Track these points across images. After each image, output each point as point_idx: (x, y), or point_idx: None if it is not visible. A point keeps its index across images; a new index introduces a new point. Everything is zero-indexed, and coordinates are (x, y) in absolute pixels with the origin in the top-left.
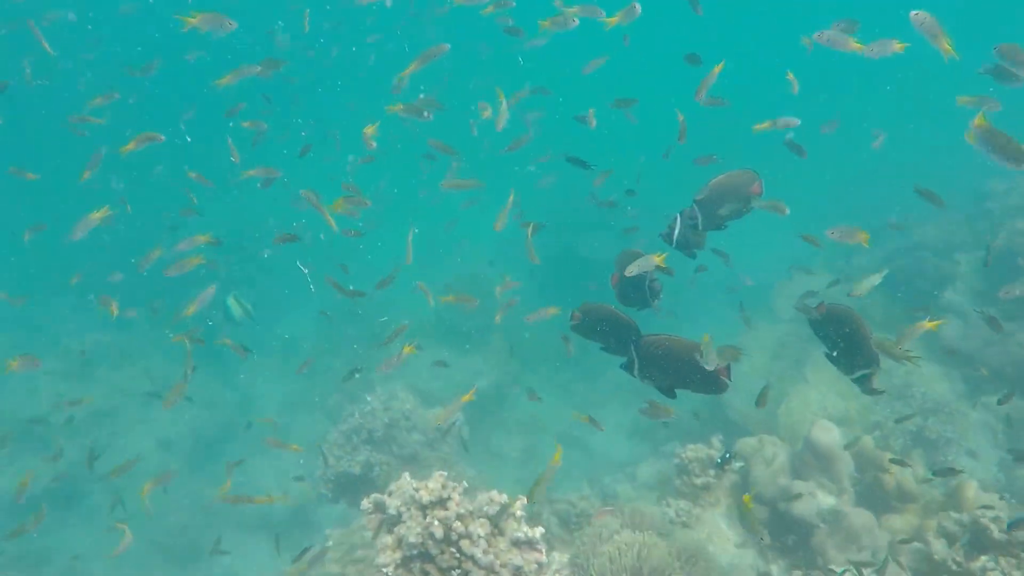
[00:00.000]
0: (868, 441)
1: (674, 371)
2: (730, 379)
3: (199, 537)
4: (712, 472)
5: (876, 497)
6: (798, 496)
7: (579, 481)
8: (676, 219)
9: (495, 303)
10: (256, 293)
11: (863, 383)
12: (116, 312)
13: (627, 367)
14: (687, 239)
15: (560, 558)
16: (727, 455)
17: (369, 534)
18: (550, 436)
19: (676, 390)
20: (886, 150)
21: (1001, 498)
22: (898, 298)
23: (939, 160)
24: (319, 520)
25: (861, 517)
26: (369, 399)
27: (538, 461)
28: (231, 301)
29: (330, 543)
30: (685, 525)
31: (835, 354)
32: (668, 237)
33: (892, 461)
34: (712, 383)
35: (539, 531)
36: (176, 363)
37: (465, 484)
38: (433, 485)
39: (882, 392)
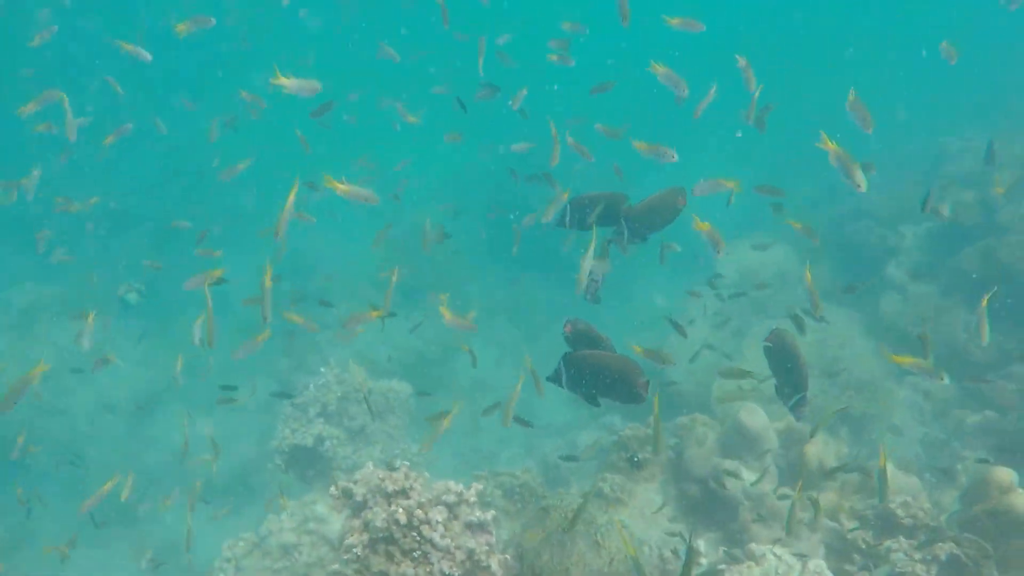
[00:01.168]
0: (795, 424)
1: (599, 384)
2: (648, 393)
3: (139, 501)
4: (647, 452)
5: (799, 474)
6: (725, 474)
7: (520, 448)
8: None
9: (441, 257)
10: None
11: (796, 409)
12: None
13: (554, 379)
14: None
15: (509, 528)
16: (635, 457)
17: (320, 508)
18: (490, 402)
19: (600, 399)
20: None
21: (921, 477)
22: (847, 269)
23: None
24: (261, 487)
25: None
26: (323, 371)
27: (484, 431)
28: (122, 289)
29: (284, 514)
30: (619, 501)
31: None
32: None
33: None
34: (633, 396)
35: (490, 514)
36: (118, 318)
37: (427, 475)
38: (398, 475)
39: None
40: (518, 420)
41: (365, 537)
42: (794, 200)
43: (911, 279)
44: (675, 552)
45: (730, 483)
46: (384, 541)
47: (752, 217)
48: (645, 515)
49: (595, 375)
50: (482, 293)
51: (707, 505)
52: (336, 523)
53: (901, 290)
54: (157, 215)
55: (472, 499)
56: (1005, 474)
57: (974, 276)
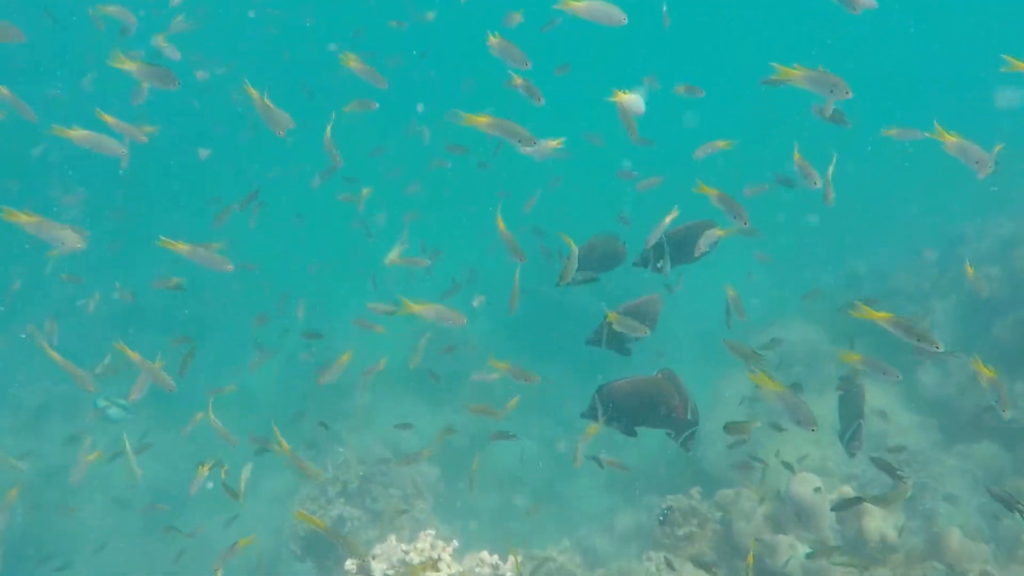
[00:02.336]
0: (847, 491)
1: (635, 411)
2: (688, 416)
3: None
4: (695, 521)
5: (858, 550)
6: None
7: (554, 535)
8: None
9: (466, 345)
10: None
11: (851, 441)
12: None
13: (590, 415)
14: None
15: None
16: (666, 512)
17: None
18: (527, 491)
19: (639, 429)
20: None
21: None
22: (880, 347)
23: (906, 201)
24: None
25: (845, 572)
26: (341, 450)
27: (513, 519)
28: (103, 402)
29: None
30: None
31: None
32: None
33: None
34: (670, 419)
35: None
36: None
37: (456, 543)
38: (422, 545)
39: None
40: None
41: None
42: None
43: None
44: None
45: (786, 562)
46: None
47: (775, 304)
48: None
49: (630, 402)
50: (510, 386)
51: None
52: None
53: (938, 362)
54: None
55: (510, 573)
56: None
57: (1011, 346)
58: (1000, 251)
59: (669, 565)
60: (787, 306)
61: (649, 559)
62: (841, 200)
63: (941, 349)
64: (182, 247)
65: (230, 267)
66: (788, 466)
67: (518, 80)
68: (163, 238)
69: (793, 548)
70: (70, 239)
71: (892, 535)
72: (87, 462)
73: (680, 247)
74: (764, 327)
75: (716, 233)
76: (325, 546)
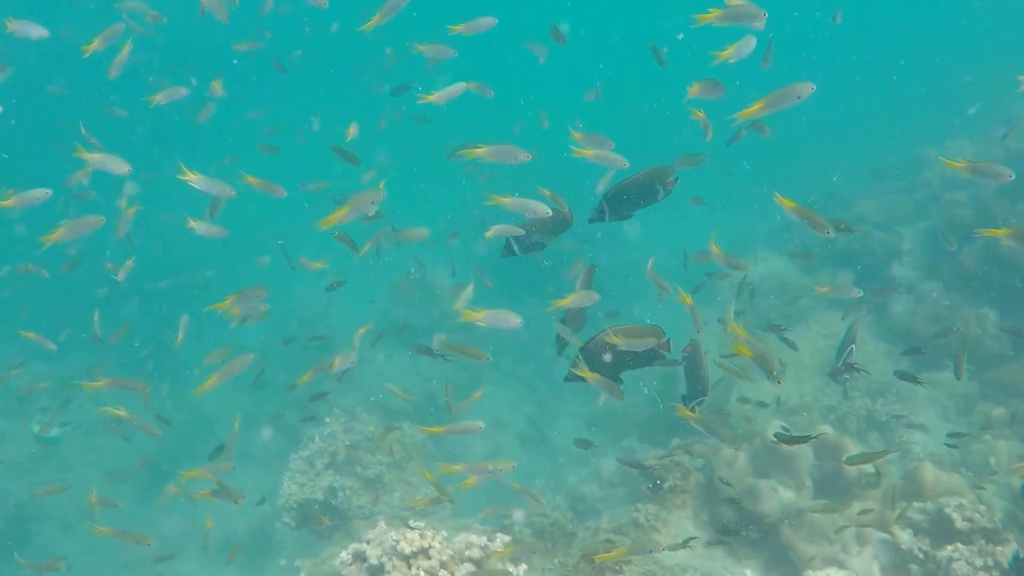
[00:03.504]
0: (826, 429)
1: (622, 359)
2: (669, 350)
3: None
4: (675, 478)
5: (837, 486)
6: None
7: (544, 481)
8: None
9: (440, 298)
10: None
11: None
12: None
13: (574, 377)
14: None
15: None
16: (658, 482)
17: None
18: (513, 435)
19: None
20: (818, 118)
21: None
22: (856, 272)
23: (873, 126)
24: (280, 543)
25: (822, 508)
26: (328, 421)
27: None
28: (38, 427)
29: (301, 574)
30: (654, 530)
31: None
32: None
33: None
34: (657, 355)
35: (522, 568)
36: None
37: (444, 533)
38: (412, 535)
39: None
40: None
41: None
42: (782, 213)
43: (921, 278)
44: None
45: (766, 503)
46: None
47: (745, 238)
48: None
49: (622, 360)
50: (489, 333)
51: (743, 527)
52: None
53: (910, 289)
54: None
55: (499, 551)
56: None
57: (978, 272)
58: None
59: (657, 516)
60: (756, 237)
61: (638, 511)
62: (802, 126)
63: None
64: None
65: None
66: (763, 405)
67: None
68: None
69: (775, 491)
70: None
71: (869, 468)
72: None
73: (637, 193)
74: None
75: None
76: (320, 514)
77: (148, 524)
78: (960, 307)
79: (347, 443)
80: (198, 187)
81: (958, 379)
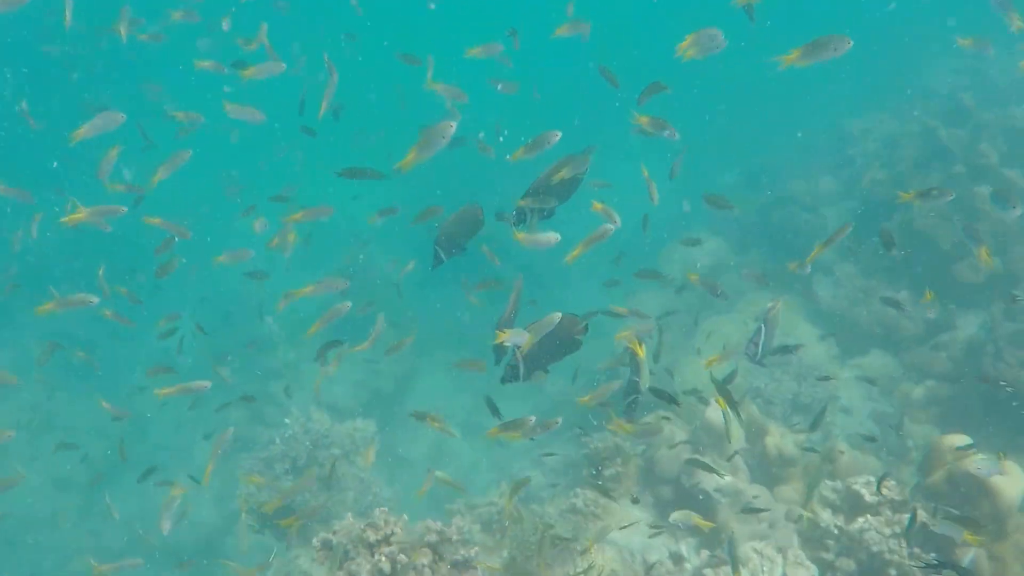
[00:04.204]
0: (753, 410)
1: (548, 354)
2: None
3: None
4: (616, 465)
5: (765, 466)
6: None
7: (489, 472)
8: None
9: (374, 289)
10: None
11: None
12: None
13: (511, 377)
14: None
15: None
16: (598, 469)
17: (304, 562)
18: (455, 426)
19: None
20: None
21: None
22: (777, 255)
23: (799, 97)
24: (228, 551)
25: (755, 491)
26: (288, 422)
27: (448, 458)
28: None
29: (269, 572)
30: (595, 516)
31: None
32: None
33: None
34: (573, 345)
35: (474, 551)
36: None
37: (405, 517)
38: (377, 522)
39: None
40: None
41: None
42: (718, 189)
43: (838, 259)
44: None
45: (703, 479)
46: None
47: (681, 219)
48: (623, 525)
49: (542, 347)
50: (428, 321)
51: (682, 506)
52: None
53: (829, 271)
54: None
55: (454, 537)
56: (958, 439)
57: (895, 252)
58: (886, 151)
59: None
60: (695, 218)
61: (576, 496)
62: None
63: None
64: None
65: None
66: (696, 393)
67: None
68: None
69: (711, 474)
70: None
71: (790, 450)
72: None
73: (557, 188)
74: (672, 240)
75: (585, 161)
76: (281, 515)
77: (95, 534)
78: (879, 288)
79: (308, 444)
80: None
81: None
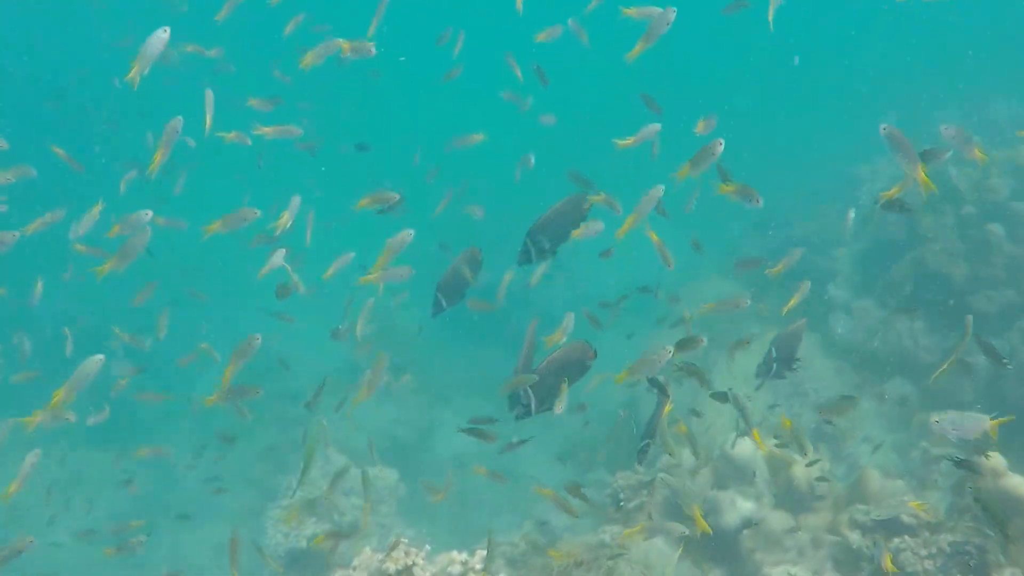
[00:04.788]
0: (773, 448)
1: (556, 383)
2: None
3: None
4: (641, 497)
5: (792, 498)
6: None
7: (513, 515)
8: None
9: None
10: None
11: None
12: None
13: (524, 414)
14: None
15: None
16: (620, 504)
17: None
18: (478, 476)
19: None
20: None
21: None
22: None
23: (810, 146)
24: None
25: (780, 519)
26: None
27: (471, 505)
28: None
29: None
30: (623, 548)
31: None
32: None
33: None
34: (583, 369)
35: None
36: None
37: (428, 547)
38: (397, 554)
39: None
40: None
41: None
42: (724, 237)
43: (853, 297)
44: None
45: (726, 516)
46: None
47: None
48: (649, 559)
49: (551, 378)
50: (448, 371)
51: (707, 541)
52: None
53: (846, 308)
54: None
55: (478, 566)
56: (996, 460)
57: (907, 287)
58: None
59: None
60: (703, 262)
61: (604, 532)
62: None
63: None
64: None
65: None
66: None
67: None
68: None
69: (734, 503)
70: None
71: (817, 476)
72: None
73: (557, 229)
74: (681, 285)
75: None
76: (305, 562)
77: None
78: (894, 320)
79: (324, 487)
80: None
81: None
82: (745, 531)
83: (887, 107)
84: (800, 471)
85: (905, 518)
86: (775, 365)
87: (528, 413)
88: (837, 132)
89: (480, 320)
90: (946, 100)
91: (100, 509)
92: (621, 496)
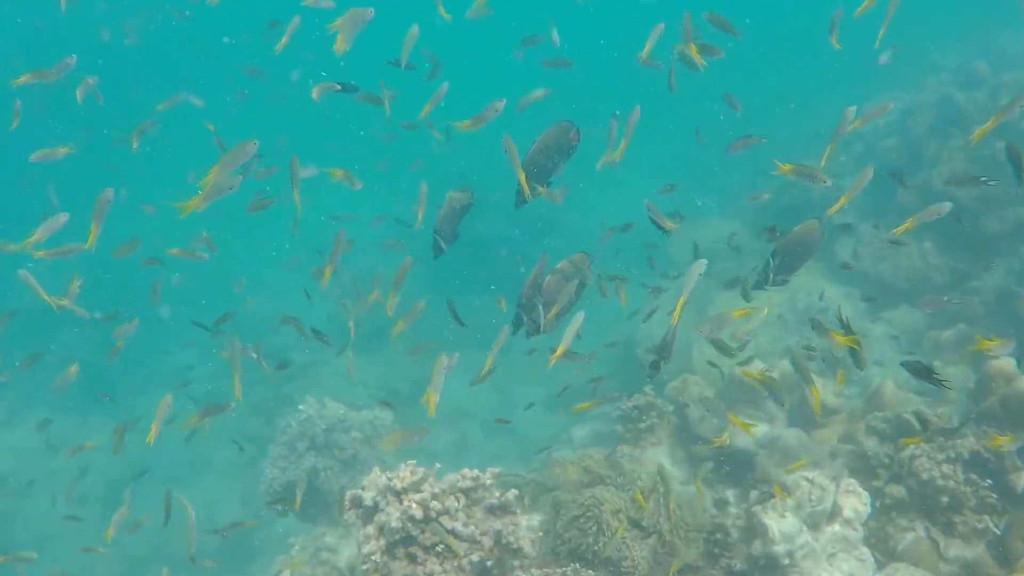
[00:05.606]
0: (785, 366)
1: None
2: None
3: None
4: (653, 413)
5: (803, 417)
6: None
7: (514, 465)
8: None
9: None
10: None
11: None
12: None
13: (534, 331)
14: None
15: (529, 521)
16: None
17: (330, 539)
18: (477, 424)
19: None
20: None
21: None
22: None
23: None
24: (262, 544)
25: (794, 435)
26: (301, 408)
27: (469, 452)
28: None
29: (295, 548)
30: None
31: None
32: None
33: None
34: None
35: (512, 493)
36: (66, 412)
37: (438, 465)
38: (404, 472)
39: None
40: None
41: (382, 542)
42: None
43: (859, 221)
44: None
45: (739, 436)
46: (403, 543)
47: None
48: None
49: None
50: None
51: (720, 462)
52: (347, 550)
53: (852, 234)
54: None
55: (489, 481)
56: (1006, 363)
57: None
58: (899, 122)
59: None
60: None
61: (616, 453)
62: (741, 88)
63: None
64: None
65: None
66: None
67: None
68: None
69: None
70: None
71: (832, 400)
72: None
73: (547, 158)
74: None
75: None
76: (304, 498)
77: (116, 543)
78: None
79: (323, 427)
80: None
81: None
82: (760, 451)
83: (886, 43)
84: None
85: (918, 424)
86: (773, 272)
87: (538, 329)
88: (836, 70)
89: (475, 269)
90: (950, 32)
91: (95, 474)
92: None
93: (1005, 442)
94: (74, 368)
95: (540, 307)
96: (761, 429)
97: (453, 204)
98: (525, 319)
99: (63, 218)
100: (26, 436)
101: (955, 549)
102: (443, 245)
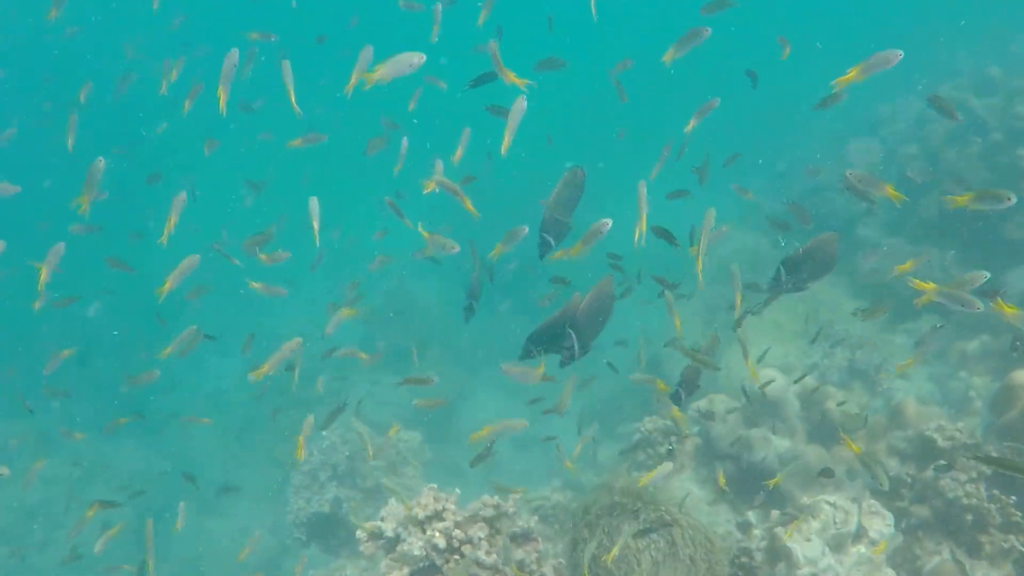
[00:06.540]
0: (809, 381)
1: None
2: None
3: None
4: (673, 437)
5: (824, 431)
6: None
7: (542, 479)
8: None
9: (426, 316)
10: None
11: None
12: None
13: (568, 360)
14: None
15: (554, 548)
16: (670, 448)
17: (350, 572)
18: (506, 442)
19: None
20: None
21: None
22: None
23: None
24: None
25: (815, 452)
26: (325, 434)
27: (499, 471)
28: None
29: None
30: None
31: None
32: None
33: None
34: (612, 303)
35: (534, 520)
36: (96, 443)
37: (458, 491)
38: (426, 500)
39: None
40: None
41: (406, 572)
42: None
43: (883, 236)
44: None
45: (760, 451)
46: (426, 572)
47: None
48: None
49: (591, 323)
50: (474, 343)
51: (744, 481)
52: None
53: (875, 246)
54: None
55: (511, 510)
56: None
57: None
58: (915, 129)
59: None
60: (724, 214)
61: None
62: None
63: None
64: None
65: None
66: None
67: None
68: None
69: (767, 440)
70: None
71: (852, 411)
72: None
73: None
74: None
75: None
76: (327, 528)
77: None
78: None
79: (347, 454)
80: None
81: None
82: (781, 468)
83: (902, 44)
84: (833, 404)
85: (941, 441)
86: (784, 279)
87: (573, 358)
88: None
89: (503, 291)
90: (964, 36)
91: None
92: (672, 439)
93: None
94: (67, 352)
95: (573, 335)
96: (783, 444)
97: (477, 276)
98: (563, 351)
99: (183, 196)
100: (57, 465)
101: (982, 571)
102: (474, 307)
